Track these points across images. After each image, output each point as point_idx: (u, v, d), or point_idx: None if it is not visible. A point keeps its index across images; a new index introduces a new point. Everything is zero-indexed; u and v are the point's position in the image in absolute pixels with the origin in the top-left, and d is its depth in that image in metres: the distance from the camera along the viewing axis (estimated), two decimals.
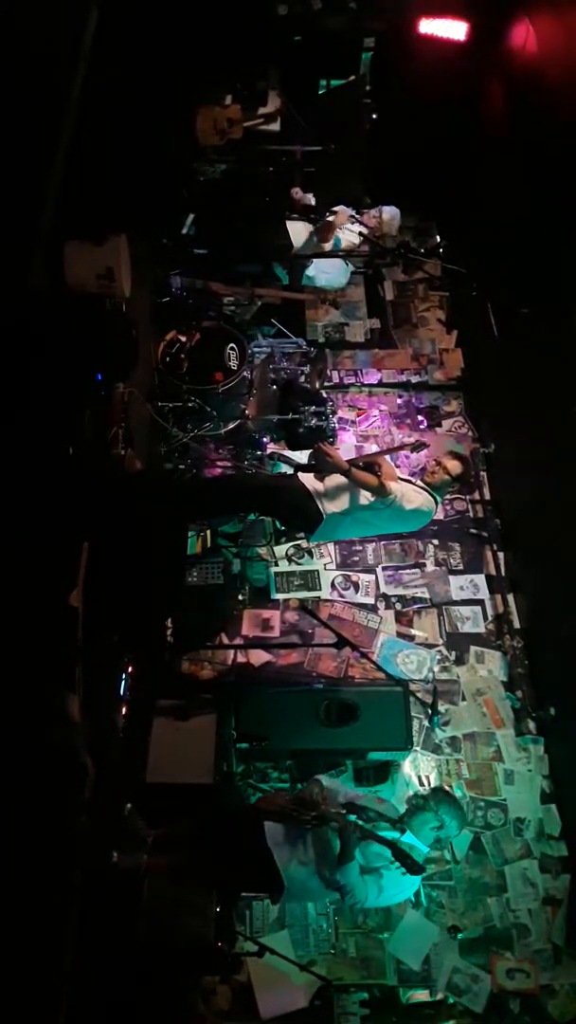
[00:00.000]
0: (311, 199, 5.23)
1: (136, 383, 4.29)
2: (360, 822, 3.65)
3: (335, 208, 5.23)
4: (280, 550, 5.18)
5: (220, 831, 3.75)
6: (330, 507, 3.88)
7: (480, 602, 5.16)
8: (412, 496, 3.85)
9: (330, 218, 5.16)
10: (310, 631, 4.93)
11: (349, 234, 5.28)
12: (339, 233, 5.23)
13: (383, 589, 5.17)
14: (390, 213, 5.42)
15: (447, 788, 4.37)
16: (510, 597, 5.15)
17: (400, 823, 3.65)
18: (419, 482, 3.99)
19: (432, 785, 4.48)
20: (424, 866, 3.36)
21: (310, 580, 5.15)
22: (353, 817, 3.65)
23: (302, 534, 4.88)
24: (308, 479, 3.97)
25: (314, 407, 4.89)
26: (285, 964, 3.80)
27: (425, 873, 3.48)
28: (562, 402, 4.36)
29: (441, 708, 4.57)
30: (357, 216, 5.20)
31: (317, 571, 5.17)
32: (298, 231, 5.29)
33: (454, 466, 3.97)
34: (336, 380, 6.04)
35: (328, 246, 5.40)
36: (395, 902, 3.88)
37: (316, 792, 3.65)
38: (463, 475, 4.01)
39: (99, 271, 3.58)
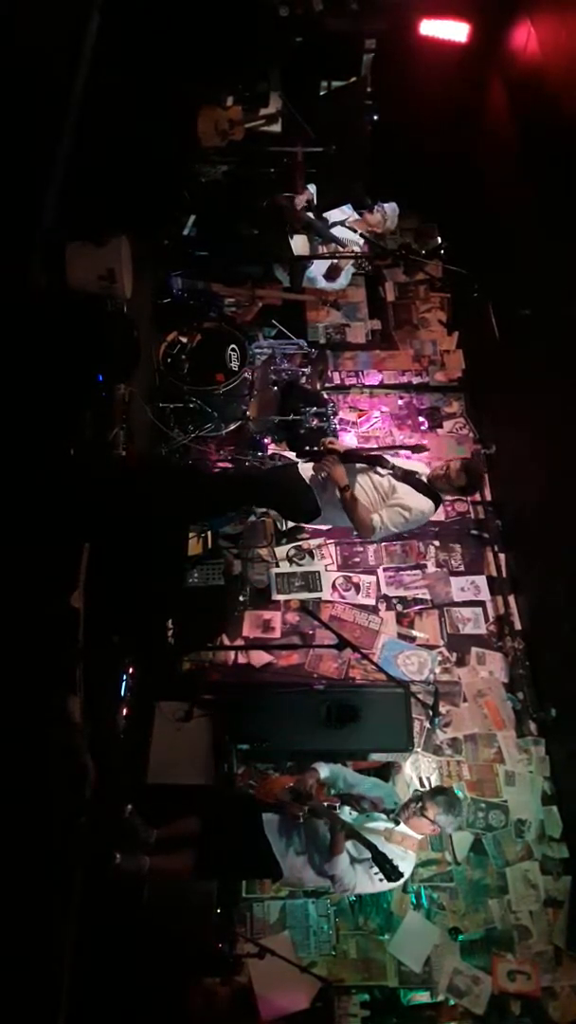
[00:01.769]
0: (311, 193, 5.24)
1: (137, 384, 4.30)
2: (355, 813, 3.67)
3: (341, 242, 5.29)
4: (281, 551, 5.17)
5: (221, 821, 3.76)
6: (328, 498, 3.89)
7: (481, 603, 5.16)
8: (395, 520, 3.83)
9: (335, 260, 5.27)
10: (311, 632, 4.93)
11: (350, 234, 5.31)
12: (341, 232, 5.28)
13: (384, 590, 5.17)
14: (389, 210, 5.44)
15: (446, 788, 4.35)
16: (511, 598, 5.15)
17: (395, 815, 3.66)
18: (424, 479, 3.95)
19: (433, 787, 4.47)
20: (402, 872, 3.36)
21: (311, 581, 5.14)
22: (347, 809, 3.68)
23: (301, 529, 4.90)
24: (307, 470, 3.98)
25: (315, 408, 4.88)
26: (286, 965, 3.79)
27: (404, 878, 3.48)
28: (563, 403, 4.36)
29: (442, 709, 4.58)
30: (363, 237, 5.27)
31: (318, 572, 5.17)
32: (298, 244, 5.33)
33: (459, 477, 3.87)
34: (337, 381, 6.04)
35: (339, 280, 5.52)
36: (384, 890, 3.86)
37: (311, 784, 3.68)
38: (466, 488, 3.96)
39: (100, 272, 3.58)
